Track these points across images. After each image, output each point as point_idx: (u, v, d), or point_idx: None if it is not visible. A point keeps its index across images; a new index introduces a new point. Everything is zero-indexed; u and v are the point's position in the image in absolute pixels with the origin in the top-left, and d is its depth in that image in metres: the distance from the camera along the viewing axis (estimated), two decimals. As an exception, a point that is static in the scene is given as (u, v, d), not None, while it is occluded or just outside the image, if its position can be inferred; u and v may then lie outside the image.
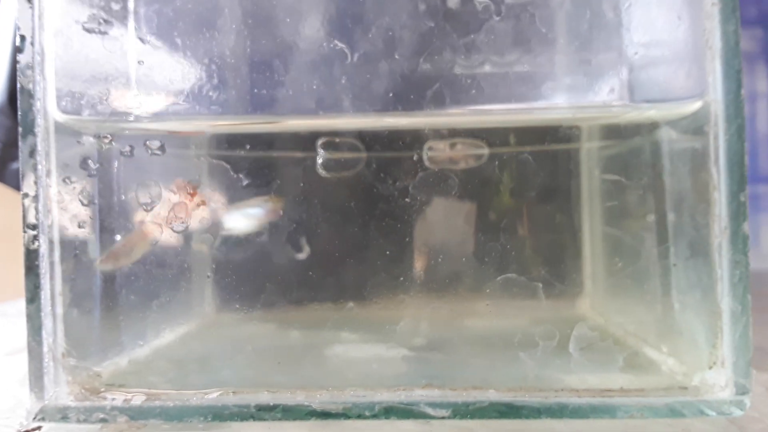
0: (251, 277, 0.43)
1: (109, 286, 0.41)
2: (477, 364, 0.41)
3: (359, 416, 0.36)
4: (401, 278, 0.42)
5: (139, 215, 0.40)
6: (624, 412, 0.36)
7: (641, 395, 0.37)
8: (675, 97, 0.40)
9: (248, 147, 0.42)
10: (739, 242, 0.36)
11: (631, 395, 0.37)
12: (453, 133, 0.44)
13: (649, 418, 0.36)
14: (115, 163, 0.40)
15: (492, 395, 0.37)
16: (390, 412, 0.36)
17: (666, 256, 0.42)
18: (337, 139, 0.44)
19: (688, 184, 0.40)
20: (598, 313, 0.49)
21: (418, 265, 0.44)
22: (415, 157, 0.43)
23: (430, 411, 0.36)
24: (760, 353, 0.49)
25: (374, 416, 0.36)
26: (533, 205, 0.47)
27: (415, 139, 0.42)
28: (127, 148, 0.39)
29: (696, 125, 0.38)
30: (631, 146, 0.45)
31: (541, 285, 0.44)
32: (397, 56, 0.37)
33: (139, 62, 0.38)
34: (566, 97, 0.41)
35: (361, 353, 0.41)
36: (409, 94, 0.38)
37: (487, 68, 0.39)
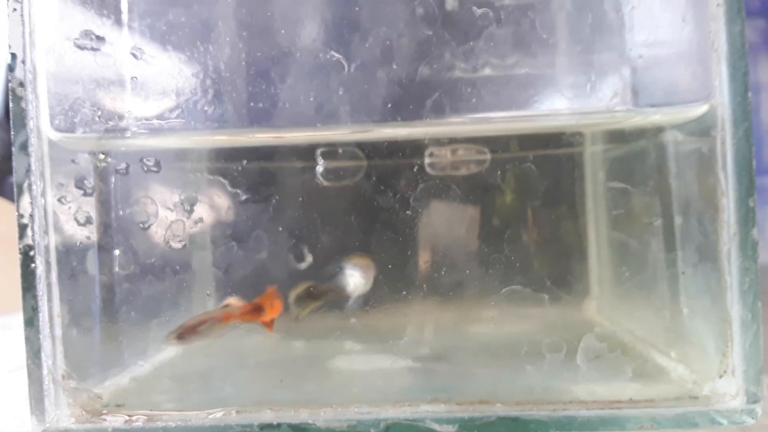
0: (253, 290, 0.43)
1: (108, 304, 0.40)
2: (483, 376, 0.41)
3: (365, 434, 0.35)
4: (404, 289, 0.42)
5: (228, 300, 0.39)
6: (634, 423, 0.35)
7: (651, 406, 0.36)
8: (680, 101, 0.39)
9: (245, 160, 0.41)
10: (749, 249, 0.35)
11: (640, 406, 0.36)
12: (454, 141, 0.44)
13: (660, 429, 0.35)
14: (112, 181, 0.39)
15: (499, 409, 0.36)
16: (395, 429, 0.35)
17: (674, 262, 0.42)
18: (340, 150, 0.43)
19: (696, 189, 0.39)
20: (606, 319, 0.48)
21: (421, 274, 0.43)
22: (416, 167, 0.42)
23: (436, 427, 0.35)
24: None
25: (379, 433, 0.35)
26: (537, 212, 0.47)
27: (416, 147, 0.42)
28: (123, 166, 0.39)
29: (702, 129, 0.37)
30: (636, 151, 0.44)
31: (546, 293, 0.43)
32: (395, 66, 0.37)
33: (132, 78, 0.37)
34: (568, 103, 0.40)
35: (365, 366, 0.41)
36: (408, 103, 0.37)
37: (487, 75, 0.38)
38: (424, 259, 0.44)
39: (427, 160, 0.43)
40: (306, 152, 0.43)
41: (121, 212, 0.40)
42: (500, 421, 0.35)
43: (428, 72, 0.37)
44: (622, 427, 0.35)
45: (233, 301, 0.39)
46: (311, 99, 0.37)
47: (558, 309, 0.44)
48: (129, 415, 0.37)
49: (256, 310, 0.38)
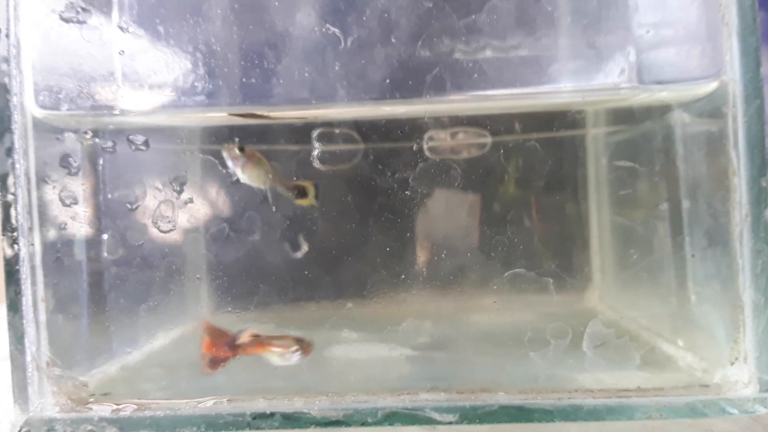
0: (245, 276, 0.41)
1: (96, 290, 0.39)
2: (484, 364, 0.39)
3: (362, 423, 0.34)
4: (402, 275, 0.40)
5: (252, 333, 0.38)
6: (642, 412, 0.34)
7: (660, 394, 0.35)
8: (688, 78, 0.37)
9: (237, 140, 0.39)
10: (761, 230, 0.34)
11: (649, 395, 0.35)
12: (455, 122, 0.42)
13: (669, 419, 0.34)
14: (99, 161, 0.38)
15: (502, 398, 0.35)
16: (394, 418, 0.34)
17: (681, 246, 0.40)
18: (336, 130, 0.42)
19: (705, 169, 0.38)
20: (609, 307, 0.47)
21: (420, 260, 0.42)
22: (415, 147, 0.41)
23: (436, 416, 0.34)
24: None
25: (377, 423, 0.34)
26: (539, 195, 0.45)
27: (415, 129, 0.40)
28: (110, 144, 0.37)
29: (712, 107, 0.36)
30: (641, 131, 0.42)
31: (548, 279, 0.42)
32: (393, 40, 0.35)
33: (120, 52, 0.36)
34: (572, 79, 0.38)
35: (362, 354, 0.39)
36: (408, 80, 0.36)
37: (489, 51, 0.36)
38: (422, 245, 0.42)
39: (426, 144, 0.42)
40: (301, 134, 0.42)
41: (108, 194, 0.38)
42: (503, 410, 0.34)
43: (428, 47, 0.36)
44: (629, 417, 0.34)
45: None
46: (306, 75, 0.36)
47: (559, 297, 0.43)
48: (116, 404, 0.36)
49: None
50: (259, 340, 0.36)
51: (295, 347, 0.36)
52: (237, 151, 0.37)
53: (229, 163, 0.37)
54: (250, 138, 0.40)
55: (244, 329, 0.37)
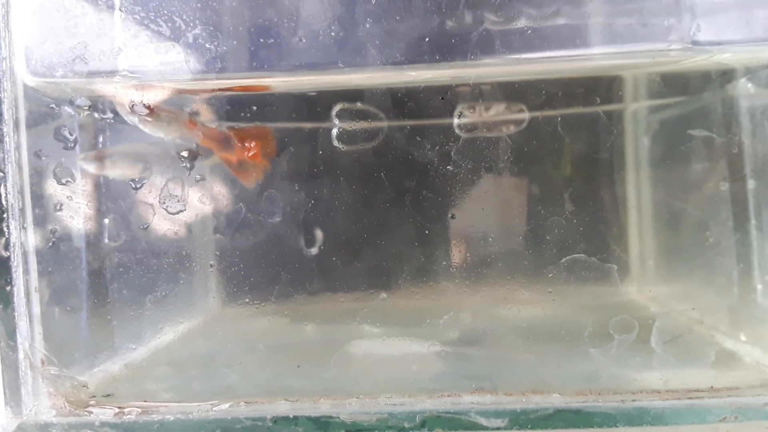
0: (265, 263, 0.38)
1: (96, 279, 0.35)
2: (527, 362, 0.36)
3: (399, 429, 0.30)
4: (443, 263, 0.37)
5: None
6: (716, 415, 0.30)
7: (735, 394, 0.31)
8: (755, 39, 0.33)
9: (249, 112, 0.36)
10: None
11: (722, 395, 0.31)
12: (492, 97, 0.39)
13: (745, 421, 0.30)
14: (98, 133, 0.34)
15: (557, 400, 0.31)
16: (434, 423, 0.30)
17: (746, 230, 0.37)
18: (359, 104, 0.38)
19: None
20: (649, 299, 0.43)
21: (462, 248, 0.38)
22: (447, 127, 0.37)
23: (482, 421, 0.30)
24: None
25: (415, 428, 0.30)
26: (583, 179, 0.41)
27: (456, 98, 0.36)
28: (110, 116, 0.34)
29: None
30: (700, 102, 0.39)
31: (586, 272, 0.38)
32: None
33: (119, 9, 0.32)
34: (619, 40, 0.34)
35: (396, 351, 0.36)
36: (444, 42, 0.32)
37: (529, 13, 0.32)
38: (457, 234, 0.39)
39: (457, 120, 0.38)
40: (325, 105, 0.38)
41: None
42: (559, 414, 0.30)
43: (466, 8, 0.32)
44: (702, 420, 0.30)
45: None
46: (331, 34, 0.32)
47: (594, 289, 0.39)
48: (119, 407, 0.33)
49: (225, 141, 0.31)
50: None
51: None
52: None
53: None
54: (261, 109, 0.37)
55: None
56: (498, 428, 0.30)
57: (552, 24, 0.33)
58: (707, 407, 0.31)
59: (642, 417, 0.30)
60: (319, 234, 0.38)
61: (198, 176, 0.35)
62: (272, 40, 0.32)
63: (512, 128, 0.40)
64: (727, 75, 0.38)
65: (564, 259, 0.38)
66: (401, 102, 0.38)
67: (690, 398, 0.31)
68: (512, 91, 0.39)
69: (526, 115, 0.40)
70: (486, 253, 0.38)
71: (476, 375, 0.33)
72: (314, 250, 0.38)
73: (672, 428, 0.31)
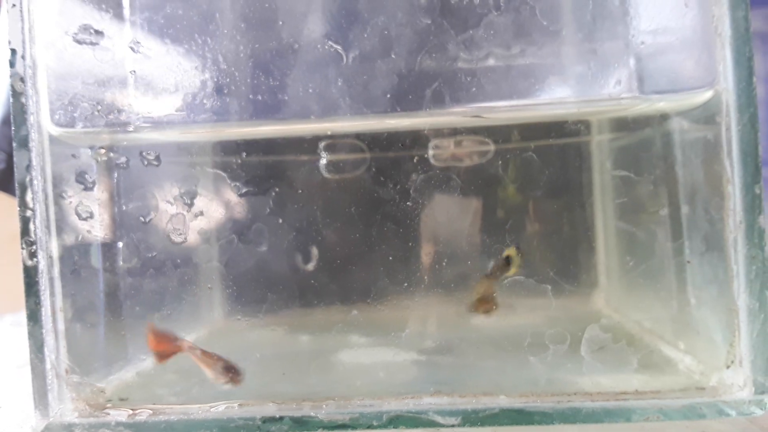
0: (255, 285, 0.42)
1: (111, 299, 0.40)
2: (487, 368, 0.40)
3: (367, 426, 0.35)
4: (406, 282, 0.41)
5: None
6: (640, 415, 0.35)
7: (658, 397, 0.36)
8: (685, 88, 0.38)
9: (245, 154, 0.41)
10: (755, 237, 0.35)
11: (646, 397, 0.36)
12: (457, 132, 0.43)
13: (666, 421, 0.35)
14: (113, 175, 0.39)
15: (503, 401, 0.36)
16: (398, 421, 0.35)
17: (681, 251, 0.41)
18: (339, 141, 0.43)
19: (701, 176, 0.38)
20: (614, 310, 0.48)
21: (424, 266, 0.43)
22: (418, 159, 0.42)
23: (439, 419, 0.35)
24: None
25: (382, 426, 0.35)
26: (543, 203, 0.46)
27: (419, 138, 0.41)
28: (123, 160, 0.39)
29: (707, 116, 0.37)
30: (642, 139, 0.43)
31: (552, 285, 0.43)
32: (393, 56, 0.36)
33: (131, 72, 0.37)
34: (573, 91, 0.39)
35: (367, 359, 0.40)
36: (408, 94, 0.37)
37: (488, 64, 0.37)
38: (426, 251, 0.43)
39: (430, 152, 0.43)
40: (308, 145, 0.43)
41: (122, 206, 0.40)
42: (504, 413, 0.35)
43: (428, 62, 0.37)
44: (627, 419, 0.35)
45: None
46: (310, 91, 0.37)
47: (566, 301, 0.44)
48: (132, 409, 0.37)
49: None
50: (193, 352, 0.38)
51: (224, 379, 0.38)
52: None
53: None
54: (257, 151, 0.42)
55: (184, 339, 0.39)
56: (452, 425, 0.35)
57: (505, 77, 0.38)
58: (633, 408, 0.35)
59: (575, 415, 0.35)
60: (299, 260, 0.43)
61: (197, 211, 0.40)
62: (260, 97, 0.37)
63: (477, 159, 0.45)
64: (664, 114, 0.42)
65: (536, 277, 0.42)
66: (376, 141, 0.43)
67: (618, 399, 0.36)
68: (476, 130, 0.44)
69: (491, 147, 0.45)
70: (449, 272, 0.42)
71: (437, 380, 0.38)
72: (299, 272, 0.43)
73: (604, 426, 0.35)
